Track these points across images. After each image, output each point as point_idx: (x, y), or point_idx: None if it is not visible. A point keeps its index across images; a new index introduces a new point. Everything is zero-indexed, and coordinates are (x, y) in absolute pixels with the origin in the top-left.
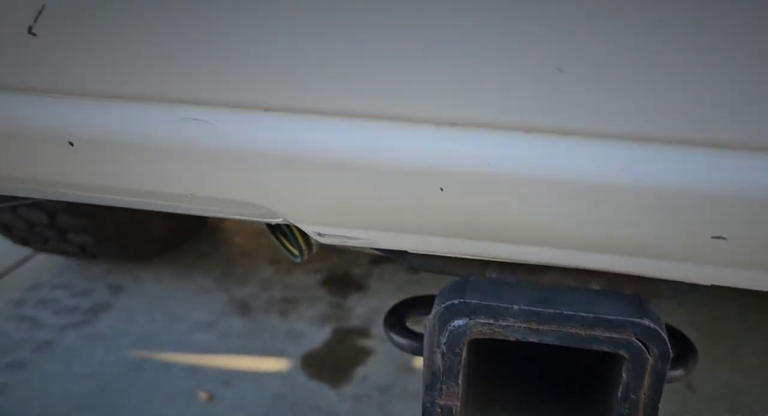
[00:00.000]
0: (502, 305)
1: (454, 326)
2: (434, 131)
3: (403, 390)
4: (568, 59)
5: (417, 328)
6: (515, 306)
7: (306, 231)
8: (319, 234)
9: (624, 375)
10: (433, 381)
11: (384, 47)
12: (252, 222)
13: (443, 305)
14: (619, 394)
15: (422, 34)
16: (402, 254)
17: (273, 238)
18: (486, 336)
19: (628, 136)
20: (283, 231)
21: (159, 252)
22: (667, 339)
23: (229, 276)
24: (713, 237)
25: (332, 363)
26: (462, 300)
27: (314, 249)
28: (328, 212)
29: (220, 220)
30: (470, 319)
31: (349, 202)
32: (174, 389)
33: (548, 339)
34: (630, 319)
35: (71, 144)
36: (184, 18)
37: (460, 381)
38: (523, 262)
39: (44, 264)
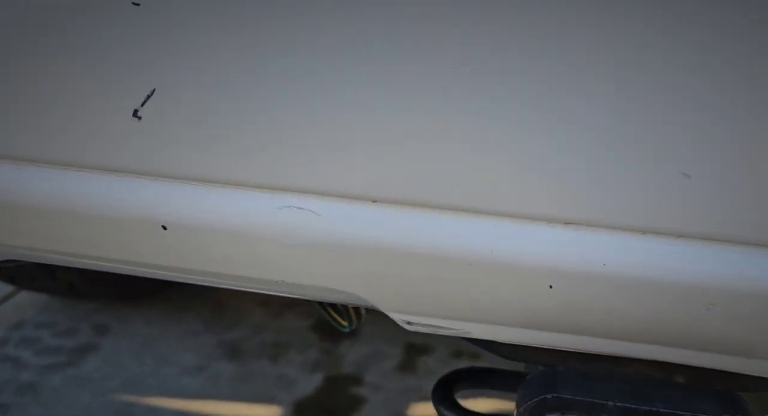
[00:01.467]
0: (597, 401)
1: None
2: (547, 229)
3: None
4: (695, 164)
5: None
6: (611, 403)
7: (394, 319)
8: (408, 323)
9: None
10: None
11: (500, 148)
12: None
13: (536, 400)
14: None
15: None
16: (489, 343)
17: (321, 310)
18: None
19: (742, 241)
20: (335, 307)
21: (148, 292)
22: None
23: (219, 319)
24: None
25: (325, 411)
26: (556, 395)
27: (363, 319)
28: (422, 303)
29: None
30: (563, 414)
31: (449, 295)
32: None
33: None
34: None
35: (164, 227)
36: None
37: None
38: (608, 354)
39: (27, 301)
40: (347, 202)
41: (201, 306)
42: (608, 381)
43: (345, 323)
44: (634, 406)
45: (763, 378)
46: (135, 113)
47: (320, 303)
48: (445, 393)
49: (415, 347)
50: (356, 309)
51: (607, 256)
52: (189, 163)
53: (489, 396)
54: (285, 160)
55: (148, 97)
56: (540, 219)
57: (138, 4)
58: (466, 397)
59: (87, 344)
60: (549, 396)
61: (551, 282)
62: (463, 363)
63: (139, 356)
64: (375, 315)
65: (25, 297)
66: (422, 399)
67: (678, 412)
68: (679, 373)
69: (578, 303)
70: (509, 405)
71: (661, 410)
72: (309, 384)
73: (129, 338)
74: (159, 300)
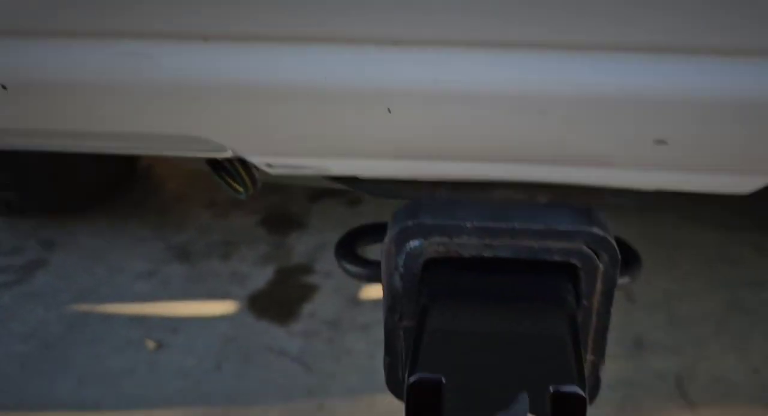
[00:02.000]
0: (455, 224)
1: (410, 248)
2: (376, 50)
3: (351, 323)
4: None
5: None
6: (469, 224)
7: (255, 164)
8: (269, 165)
9: (580, 283)
10: (393, 303)
11: None
12: (194, 162)
13: (398, 228)
14: (574, 302)
15: None
16: (353, 181)
17: (216, 177)
18: (442, 255)
19: (570, 45)
20: (227, 170)
21: (90, 204)
22: (616, 246)
23: (165, 224)
24: (655, 142)
25: (279, 302)
26: (416, 221)
27: (259, 185)
28: (276, 142)
29: (151, 167)
30: (425, 240)
31: (298, 129)
32: (121, 340)
33: (503, 254)
34: (580, 229)
35: (4, 87)
36: None
37: (420, 302)
38: (473, 180)
39: None
40: (179, 42)
41: (145, 212)
42: (469, 206)
43: (240, 188)
44: (491, 225)
45: (622, 190)
46: None
47: (214, 170)
48: (346, 248)
49: None
50: (249, 174)
51: (437, 73)
52: (16, 15)
53: None
54: (109, 2)
55: None
56: (368, 41)
57: None
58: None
59: (35, 260)
60: (410, 223)
61: (389, 105)
62: None
63: (88, 267)
64: (320, 208)
65: None
66: None
67: (533, 227)
68: (542, 195)
69: (418, 124)
70: None
71: (516, 226)
72: (261, 277)
73: (76, 251)
74: (102, 211)
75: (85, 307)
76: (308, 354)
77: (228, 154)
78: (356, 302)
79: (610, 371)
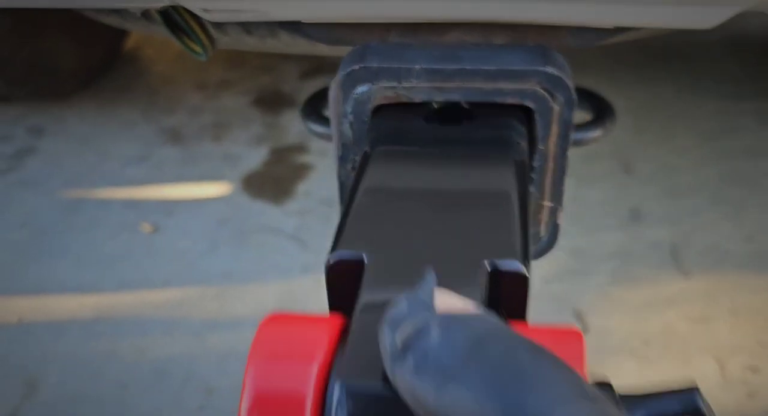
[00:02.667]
0: (403, 66)
1: (358, 93)
2: None
3: None
4: None
5: None
6: (417, 66)
7: (192, 10)
8: (205, 11)
9: (534, 127)
10: (344, 152)
11: None
12: (172, 48)
13: (344, 72)
14: (530, 147)
15: None
16: (298, 26)
17: (175, 39)
18: (392, 101)
19: None
20: (184, 30)
21: (75, 88)
22: (571, 86)
23: (154, 107)
24: None
25: (273, 181)
26: (363, 65)
27: (216, 45)
28: None
29: (138, 49)
30: (373, 84)
31: None
32: (115, 224)
33: (454, 97)
34: (533, 68)
35: None
36: None
37: (368, 148)
38: (423, 21)
39: None
40: None
41: (134, 95)
42: (419, 49)
43: (198, 48)
44: (440, 67)
45: (581, 29)
46: None
47: (172, 32)
48: (312, 108)
49: None
50: (206, 32)
51: None
52: None
53: None
54: None
55: None
56: None
57: None
58: None
59: (24, 148)
60: (357, 66)
61: None
62: None
63: (79, 153)
64: (313, 85)
65: None
66: None
67: (484, 68)
68: (498, 37)
69: None
70: None
71: (467, 67)
72: (255, 158)
73: (66, 137)
74: (89, 95)
75: (78, 193)
76: (304, 232)
77: (166, 2)
78: None
79: (603, 243)
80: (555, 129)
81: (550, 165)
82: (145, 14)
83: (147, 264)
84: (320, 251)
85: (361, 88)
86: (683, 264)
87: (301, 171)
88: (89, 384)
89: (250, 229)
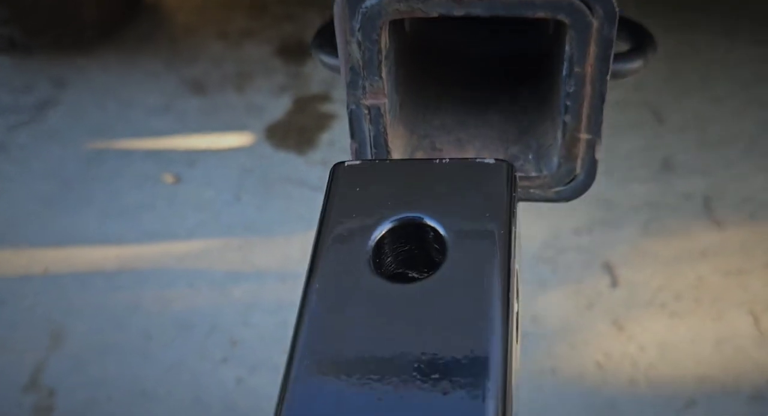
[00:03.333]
0: None
1: (365, 7)
2: None
3: None
4: None
5: None
6: None
7: None
8: None
9: (567, 46)
10: (353, 78)
11: None
12: None
13: None
14: (564, 71)
15: None
16: None
17: None
18: (405, 15)
19: None
20: None
21: (97, 39)
22: None
23: (176, 57)
24: None
25: (296, 131)
26: None
27: None
28: None
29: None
30: None
31: None
32: (139, 175)
33: (476, 11)
34: None
35: None
36: None
37: (383, 75)
38: None
39: None
40: None
41: (155, 46)
42: None
43: None
44: None
45: None
46: None
47: None
48: (323, 39)
49: None
50: None
51: None
52: None
53: None
54: None
55: None
56: None
57: None
58: None
59: (46, 99)
60: None
61: None
62: None
63: (101, 104)
64: None
65: None
66: None
67: None
68: None
69: None
70: None
71: None
72: (278, 108)
73: (88, 88)
74: (111, 45)
75: (101, 144)
76: None
77: None
78: None
79: (634, 194)
80: (593, 48)
81: (588, 90)
82: None
83: (170, 215)
84: None
85: (369, 1)
86: (717, 216)
87: (324, 120)
88: (114, 335)
89: (273, 180)
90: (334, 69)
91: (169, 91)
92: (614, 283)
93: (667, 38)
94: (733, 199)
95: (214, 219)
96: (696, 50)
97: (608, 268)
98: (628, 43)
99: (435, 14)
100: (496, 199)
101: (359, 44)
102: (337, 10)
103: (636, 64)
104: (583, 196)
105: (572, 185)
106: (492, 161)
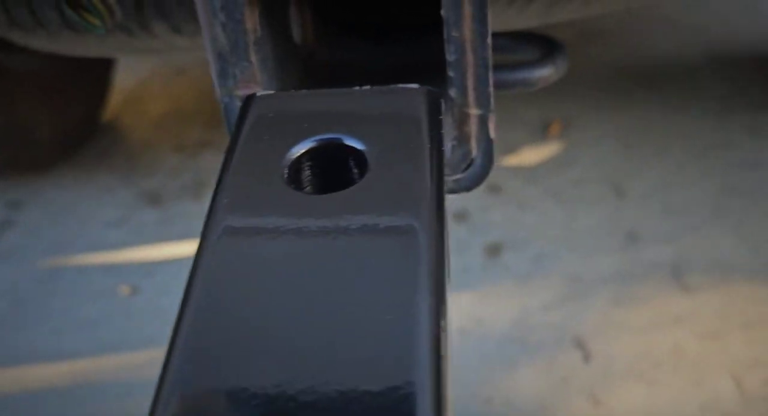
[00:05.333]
0: None
1: None
2: None
3: None
4: None
5: None
6: None
7: None
8: None
9: (443, 10)
10: (222, 66)
11: None
12: (150, 114)
13: None
14: (444, 36)
15: None
16: None
17: (72, 14)
18: None
19: None
20: (82, 4)
21: (54, 159)
22: None
23: (133, 171)
24: None
25: None
26: None
27: (117, 13)
28: None
29: (115, 119)
30: None
31: None
32: (95, 289)
33: None
34: None
35: None
36: None
37: (253, 60)
38: None
39: None
40: None
41: (112, 162)
42: None
43: (97, 21)
44: None
45: None
46: None
47: (71, 6)
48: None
49: None
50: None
51: None
52: None
53: None
54: None
55: None
56: None
57: None
58: None
59: (2, 222)
60: None
61: None
62: None
63: (58, 222)
64: None
65: None
66: None
67: None
68: None
69: None
70: None
71: None
72: None
73: (44, 207)
74: (67, 164)
75: (56, 261)
76: None
77: None
78: None
79: (601, 266)
80: (468, 7)
81: (470, 58)
82: None
83: (127, 326)
84: None
85: None
86: (687, 282)
87: None
88: None
89: None
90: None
91: (126, 204)
92: (587, 357)
93: (623, 117)
94: (702, 264)
95: (172, 326)
96: (650, 125)
97: (580, 342)
98: (540, 54)
99: None
100: (416, 121)
101: (223, 26)
102: None
103: (546, 71)
104: (549, 273)
105: (471, 171)
106: (413, 86)
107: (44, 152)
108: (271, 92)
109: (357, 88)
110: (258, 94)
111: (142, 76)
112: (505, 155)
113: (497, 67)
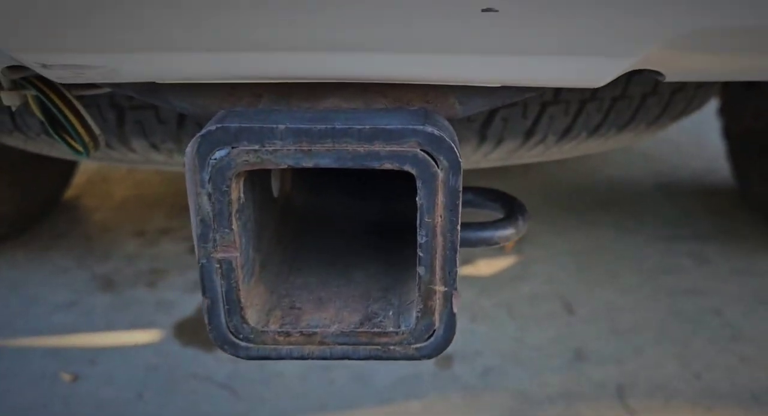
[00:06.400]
0: (266, 126)
1: (215, 158)
2: None
3: None
4: None
5: None
6: (281, 126)
7: (30, 66)
8: (44, 66)
9: (417, 197)
10: (203, 230)
11: None
12: (112, 197)
13: (200, 134)
14: (417, 221)
15: None
16: (157, 92)
17: (56, 138)
18: (255, 167)
19: None
20: (64, 127)
21: (9, 234)
22: (456, 148)
23: (89, 254)
24: (483, 11)
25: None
26: (220, 125)
27: (100, 142)
28: (47, 29)
29: (76, 199)
30: (233, 148)
31: (70, 8)
32: (35, 373)
33: (324, 162)
34: (411, 127)
35: None
36: None
37: (235, 228)
38: (295, 80)
39: None
40: None
41: (69, 243)
42: (287, 112)
43: (80, 147)
44: (307, 126)
45: (467, 91)
46: None
47: (53, 130)
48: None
49: None
50: (86, 128)
51: None
52: None
53: None
54: None
55: None
56: None
57: None
58: None
59: None
60: (213, 127)
61: None
62: None
63: (3, 300)
64: None
65: None
66: None
67: (356, 127)
68: (378, 103)
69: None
70: None
71: (337, 126)
72: (190, 305)
73: None
74: (21, 241)
75: None
76: (236, 379)
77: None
78: None
79: (548, 384)
80: (441, 198)
81: (439, 241)
82: (21, 112)
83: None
84: (253, 399)
85: (219, 153)
86: (630, 405)
87: None
88: None
89: (179, 377)
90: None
91: (78, 287)
92: None
93: (576, 236)
94: (646, 386)
95: None
96: (602, 246)
97: None
98: (502, 213)
99: (284, 165)
100: None
101: (209, 196)
102: (187, 161)
103: (508, 231)
104: (497, 388)
105: (432, 341)
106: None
107: (1, 227)
108: None
109: None
110: None
111: None
112: (461, 266)
113: (463, 225)
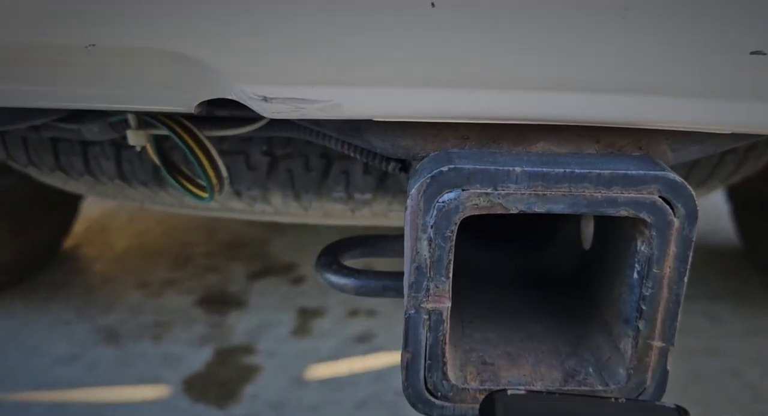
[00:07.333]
0: (501, 168)
1: (444, 201)
2: None
3: (297, 404)
4: None
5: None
6: (518, 169)
7: (246, 102)
8: (266, 99)
9: (643, 247)
10: (418, 278)
11: None
12: (113, 247)
13: (429, 175)
14: (637, 272)
15: None
16: (359, 131)
17: (172, 181)
18: (483, 211)
19: None
20: (182, 172)
21: (8, 283)
22: (694, 195)
23: (91, 305)
24: (752, 53)
25: (217, 384)
26: (452, 166)
27: (225, 182)
28: (277, 63)
29: (77, 248)
30: (463, 190)
31: (308, 38)
32: None
33: (558, 208)
34: (653, 173)
35: None
36: None
37: (450, 276)
38: (512, 122)
39: None
40: None
41: (69, 293)
42: (511, 155)
43: (202, 192)
44: (544, 170)
45: (685, 136)
46: None
47: (169, 173)
48: (329, 259)
49: (308, 311)
50: (215, 168)
51: None
52: None
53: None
54: None
55: None
56: None
57: None
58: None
59: None
60: (446, 168)
61: None
62: (360, 321)
63: (3, 351)
64: (261, 286)
65: None
66: (320, 360)
67: (596, 171)
68: (591, 148)
69: (472, 27)
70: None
71: (576, 171)
72: (197, 359)
73: None
74: (21, 291)
75: None
76: None
77: (203, 97)
78: (302, 382)
79: None
80: (673, 248)
81: (665, 293)
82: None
83: None
84: None
85: (448, 195)
86: None
87: (247, 373)
88: None
89: None
90: (342, 288)
91: (80, 339)
92: None
93: None
94: None
95: None
96: None
97: None
98: None
99: (515, 210)
100: None
101: (430, 242)
102: (411, 204)
103: None
104: None
105: (641, 398)
106: (669, 405)
107: (0, 277)
108: (518, 392)
109: (612, 399)
110: (507, 392)
111: (108, 205)
112: None
113: None
